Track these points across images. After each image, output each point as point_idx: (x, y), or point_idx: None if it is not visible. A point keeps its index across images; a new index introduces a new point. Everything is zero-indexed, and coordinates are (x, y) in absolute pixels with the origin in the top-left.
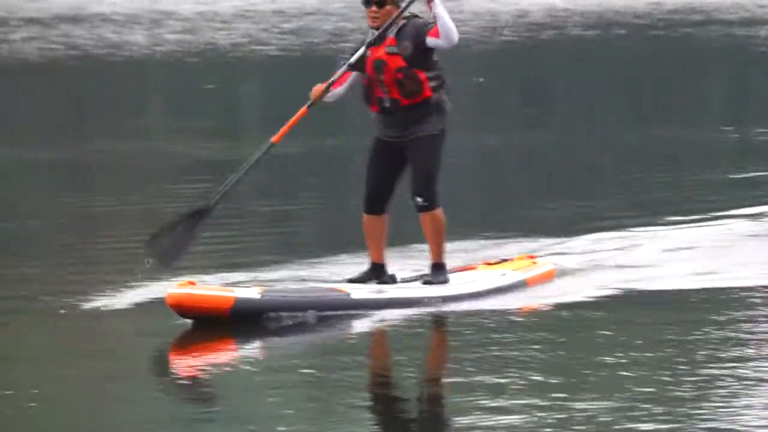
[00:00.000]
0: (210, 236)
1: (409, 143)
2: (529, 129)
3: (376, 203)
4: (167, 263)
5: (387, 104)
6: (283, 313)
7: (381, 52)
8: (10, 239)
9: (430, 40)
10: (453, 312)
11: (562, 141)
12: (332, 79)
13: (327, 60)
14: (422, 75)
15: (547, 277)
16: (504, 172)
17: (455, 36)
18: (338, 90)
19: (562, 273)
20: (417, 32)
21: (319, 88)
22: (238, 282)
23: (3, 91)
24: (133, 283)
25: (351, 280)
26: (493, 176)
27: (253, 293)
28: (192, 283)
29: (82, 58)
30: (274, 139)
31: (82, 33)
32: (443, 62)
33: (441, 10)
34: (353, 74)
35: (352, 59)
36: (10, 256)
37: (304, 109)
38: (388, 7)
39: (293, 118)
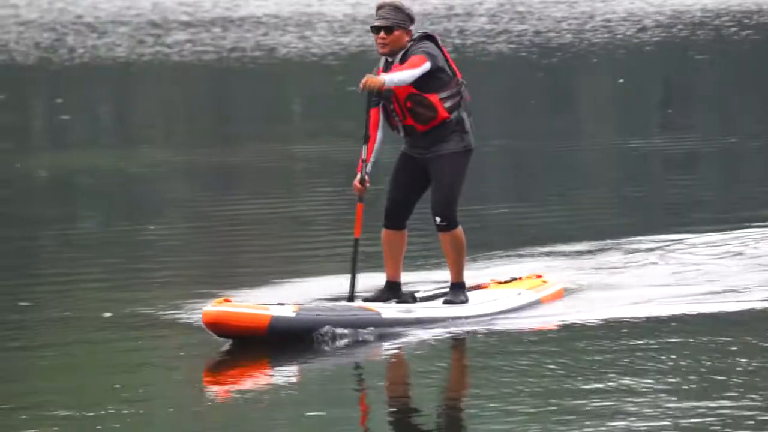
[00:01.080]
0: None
1: (432, 160)
2: (670, 131)
3: (395, 217)
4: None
5: (403, 132)
6: (339, 330)
7: None
8: (158, 241)
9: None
10: (475, 331)
11: (699, 144)
12: (365, 170)
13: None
14: (434, 98)
15: (557, 297)
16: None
17: (408, 82)
18: (377, 145)
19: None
20: (410, 55)
21: (357, 186)
22: (251, 296)
23: (159, 93)
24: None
25: (366, 300)
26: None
27: (287, 311)
28: (228, 301)
29: (233, 60)
30: (356, 234)
31: (233, 36)
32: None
33: (391, 78)
34: (380, 111)
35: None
36: (159, 256)
37: (359, 205)
38: (396, 33)
39: (358, 214)
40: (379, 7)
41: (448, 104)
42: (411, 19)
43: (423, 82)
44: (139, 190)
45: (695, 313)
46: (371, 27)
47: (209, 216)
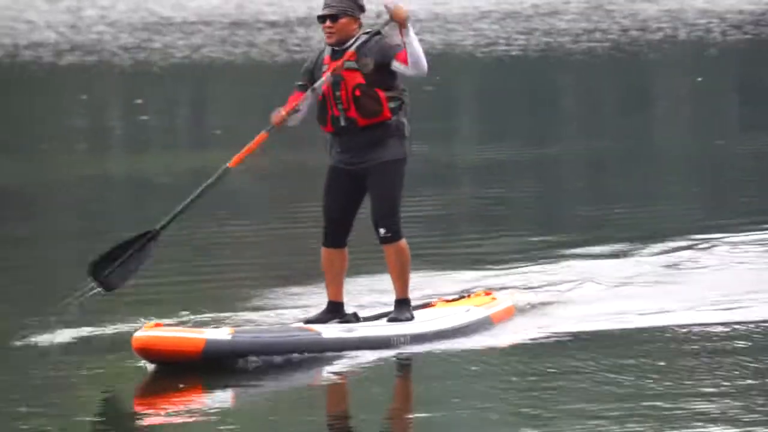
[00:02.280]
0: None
1: (369, 170)
2: (746, 130)
3: (334, 236)
4: (112, 286)
5: (343, 123)
6: (252, 357)
7: (338, 65)
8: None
9: (397, 65)
10: (421, 352)
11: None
12: (297, 105)
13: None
14: (381, 94)
15: (508, 314)
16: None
17: (425, 66)
18: (298, 113)
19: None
20: (382, 51)
21: (279, 114)
22: (192, 320)
23: (240, 93)
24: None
25: (308, 321)
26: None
27: (223, 334)
28: (159, 325)
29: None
30: (230, 164)
31: (317, 35)
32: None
33: (413, 38)
34: (309, 93)
35: (316, 85)
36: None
37: (263, 134)
38: (342, 20)
39: (252, 143)
40: None
41: (392, 104)
42: (360, 7)
43: (375, 76)
44: (217, 191)
45: (651, 326)
46: (318, 17)
47: (286, 217)
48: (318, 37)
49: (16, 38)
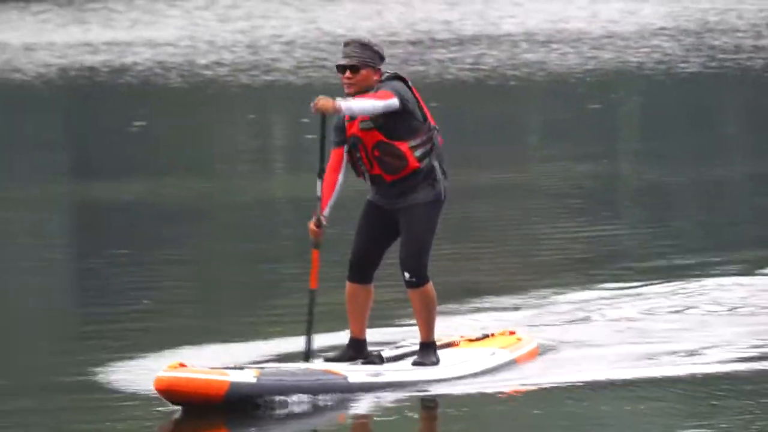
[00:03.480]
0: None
1: (402, 211)
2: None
3: (360, 270)
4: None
5: (370, 181)
6: (277, 398)
7: (355, 127)
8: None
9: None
10: (446, 393)
11: None
12: (320, 214)
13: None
14: (404, 146)
15: (532, 356)
16: None
17: (375, 111)
18: (337, 188)
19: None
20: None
21: (313, 227)
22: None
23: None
24: None
25: (328, 360)
26: None
27: (248, 377)
28: (183, 365)
29: (488, 77)
30: (312, 286)
31: (494, 53)
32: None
33: (349, 107)
34: (344, 153)
35: (334, 137)
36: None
37: (315, 252)
38: (363, 72)
39: (314, 263)
40: (346, 44)
41: (418, 153)
42: (380, 57)
43: (392, 129)
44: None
45: (681, 373)
46: (336, 66)
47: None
48: (500, 55)
49: (194, 58)
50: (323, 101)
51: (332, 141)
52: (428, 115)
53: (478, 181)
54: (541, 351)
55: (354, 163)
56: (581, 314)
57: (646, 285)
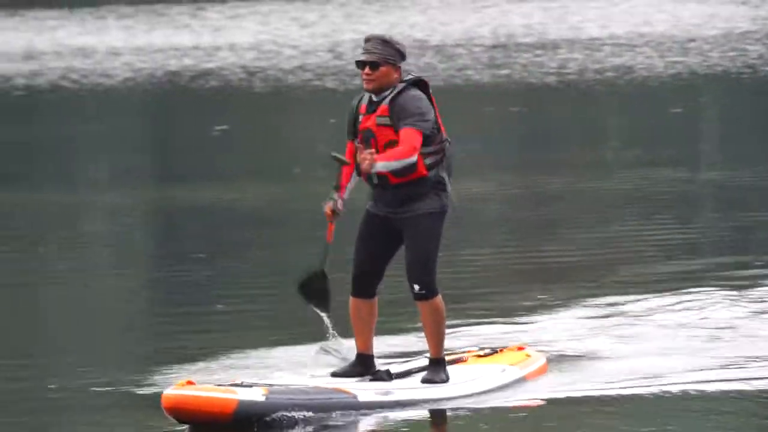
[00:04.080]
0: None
1: (405, 222)
2: None
3: (363, 285)
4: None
5: (375, 180)
6: (285, 414)
7: (371, 122)
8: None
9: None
10: (455, 408)
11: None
12: (338, 197)
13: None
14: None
15: (541, 372)
16: None
17: (402, 166)
18: (350, 184)
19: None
20: (398, 114)
21: (329, 212)
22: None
23: (488, 115)
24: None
25: (335, 374)
26: None
27: (256, 395)
28: (191, 383)
29: (573, 81)
30: (328, 239)
31: (578, 57)
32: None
33: (384, 166)
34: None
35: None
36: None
37: (330, 226)
38: (383, 69)
39: (329, 233)
40: (367, 40)
41: (428, 161)
42: (401, 55)
43: None
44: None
45: (690, 387)
46: (356, 62)
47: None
48: (584, 58)
49: (277, 62)
50: (369, 166)
51: (347, 136)
52: (441, 126)
53: (557, 184)
54: (550, 366)
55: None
56: (654, 318)
57: (718, 290)
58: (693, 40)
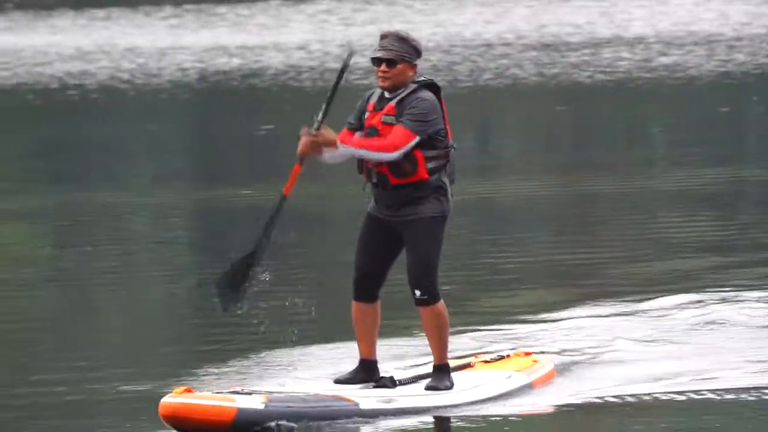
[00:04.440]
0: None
1: (405, 225)
2: None
3: (365, 289)
4: (230, 306)
5: (374, 179)
6: (283, 422)
7: (377, 119)
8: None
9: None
10: (461, 416)
11: None
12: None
13: None
14: (419, 154)
15: (549, 378)
16: None
17: (386, 158)
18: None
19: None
20: (406, 110)
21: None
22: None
23: (523, 116)
24: None
25: (338, 381)
26: None
27: (256, 402)
28: (189, 390)
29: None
30: (285, 192)
31: (627, 56)
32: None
33: (337, 155)
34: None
35: (351, 118)
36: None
37: (296, 167)
38: (400, 67)
39: (293, 174)
40: (383, 37)
41: (431, 165)
42: (417, 52)
43: None
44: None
45: (700, 389)
46: (372, 58)
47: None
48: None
49: (325, 61)
50: (310, 147)
51: (348, 121)
52: (449, 131)
53: (603, 184)
54: (558, 371)
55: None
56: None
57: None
58: (740, 39)
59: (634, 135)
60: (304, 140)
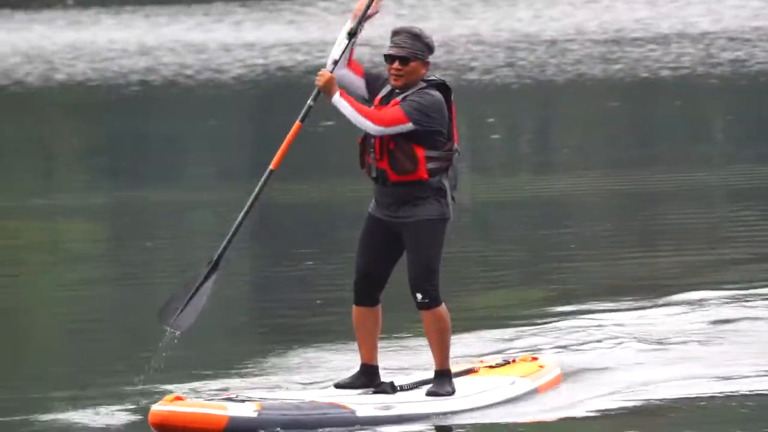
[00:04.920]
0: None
1: (405, 227)
2: None
3: (366, 293)
4: (182, 327)
5: (374, 174)
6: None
7: None
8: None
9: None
10: (462, 424)
11: None
12: (335, 57)
13: None
14: (420, 152)
15: (555, 383)
16: None
17: (365, 127)
18: (350, 75)
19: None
20: (410, 97)
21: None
22: (227, 389)
23: (585, 111)
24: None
25: (338, 386)
26: None
27: (248, 410)
28: (180, 399)
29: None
30: (272, 166)
31: (691, 51)
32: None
33: (340, 107)
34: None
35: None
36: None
37: (297, 125)
38: (413, 64)
39: (287, 138)
40: (396, 33)
41: (431, 165)
42: (430, 49)
43: (414, 132)
44: (554, 217)
45: (712, 393)
46: (385, 56)
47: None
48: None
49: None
50: (325, 78)
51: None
52: (455, 134)
53: (665, 180)
54: (565, 377)
55: (364, 151)
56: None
57: None
58: None
59: (699, 130)
60: (324, 74)
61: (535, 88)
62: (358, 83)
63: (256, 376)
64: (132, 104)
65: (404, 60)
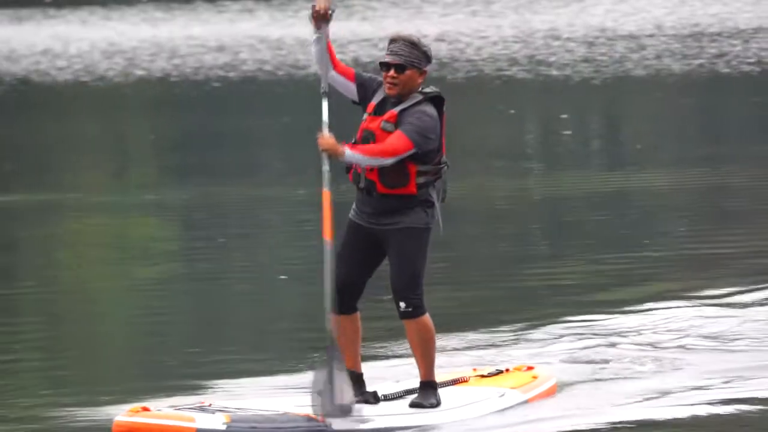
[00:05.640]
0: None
1: (388, 234)
2: None
3: (345, 301)
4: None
5: (362, 184)
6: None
7: (375, 124)
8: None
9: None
10: None
11: None
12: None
13: None
14: (412, 169)
15: (549, 394)
16: None
17: (378, 164)
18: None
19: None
20: (407, 118)
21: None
22: (198, 400)
23: (653, 107)
24: None
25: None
26: None
27: (217, 422)
28: (146, 409)
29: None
30: (326, 236)
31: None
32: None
33: (351, 158)
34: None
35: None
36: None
37: (325, 193)
38: (409, 72)
39: (325, 208)
40: (392, 41)
41: (421, 179)
42: (427, 58)
43: None
44: (631, 214)
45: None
46: (380, 63)
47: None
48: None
49: (456, 53)
50: (328, 143)
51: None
52: (444, 146)
53: (734, 178)
54: (560, 388)
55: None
56: None
57: None
58: None
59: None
60: (323, 140)
61: (612, 82)
62: (351, 87)
63: (241, 387)
64: (210, 100)
65: (400, 68)
